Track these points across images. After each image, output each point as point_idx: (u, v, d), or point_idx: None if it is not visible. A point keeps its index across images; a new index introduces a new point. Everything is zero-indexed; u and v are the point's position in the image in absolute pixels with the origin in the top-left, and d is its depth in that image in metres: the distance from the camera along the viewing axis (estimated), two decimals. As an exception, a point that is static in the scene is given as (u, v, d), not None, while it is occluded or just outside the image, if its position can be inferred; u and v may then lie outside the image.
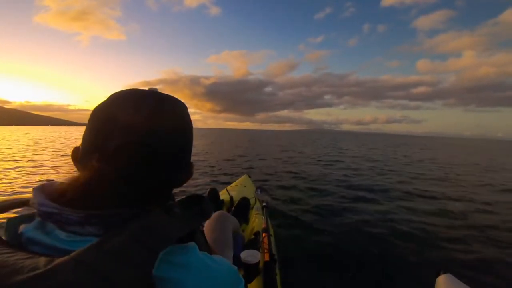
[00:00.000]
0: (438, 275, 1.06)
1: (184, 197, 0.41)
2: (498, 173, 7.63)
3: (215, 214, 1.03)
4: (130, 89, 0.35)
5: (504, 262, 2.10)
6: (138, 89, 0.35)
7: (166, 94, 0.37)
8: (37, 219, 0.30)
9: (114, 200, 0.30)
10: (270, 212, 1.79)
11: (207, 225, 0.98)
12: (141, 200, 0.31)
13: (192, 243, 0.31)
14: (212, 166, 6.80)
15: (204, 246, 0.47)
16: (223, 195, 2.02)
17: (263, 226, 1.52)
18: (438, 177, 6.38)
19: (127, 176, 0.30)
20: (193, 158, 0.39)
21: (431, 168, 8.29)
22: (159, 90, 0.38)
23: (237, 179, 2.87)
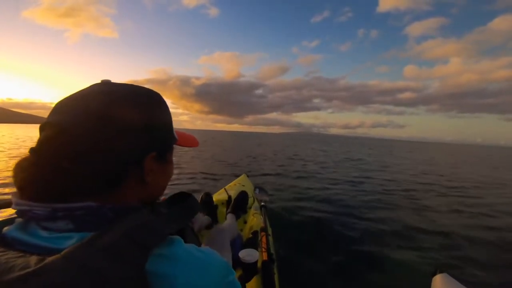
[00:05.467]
0: (434, 274, 1.07)
1: (170, 194, 0.41)
2: (495, 176, 7.71)
3: (211, 234, 1.01)
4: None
5: (500, 262, 2.13)
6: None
7: (108, 85, 0.34)
8: (18, 219, 0.30)
9: (71, 192, 0.29)
10: (268, 211, 1.80)
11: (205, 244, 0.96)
12: (91, 191, 0.30)
13: (177, 237, 0.31)
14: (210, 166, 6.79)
15: (195, 242, 0.47)
16: (221, 194, 2.02)
17: (262, 225, 1.52)
18: (435, 180, 6.43)
19: (55, 167, 0.28)
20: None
21: (430, 171, 8.36)
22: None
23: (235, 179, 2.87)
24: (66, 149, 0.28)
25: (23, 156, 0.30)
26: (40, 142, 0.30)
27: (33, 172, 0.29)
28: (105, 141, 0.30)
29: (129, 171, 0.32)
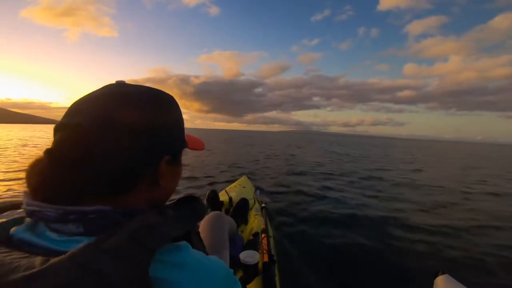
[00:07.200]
0: (436, 275, 1.07)
1: (177, 198, 0.41)
2: (497, 177, 7.65)
3: (210, 215, 1.03)
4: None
5: (503, 263, 2.11)
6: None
7: (123, 87, 0.35)
8: (27, 220, 0.30)
9: (83, 195, 0.29)
10: (269, 213, 1.80)
11: (202, 225, 0.98)
12: (106, 193, 0.30)
13: (185, 242, 0.31)
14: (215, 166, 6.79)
15: (200, 247, 0.47)
16: (222, 196, 2.02)
17: (262, 227, 1.53)
18: (438, 181, 6.40)
19: (69, 169, 0.29)
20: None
21: (431, 171, 8.32)
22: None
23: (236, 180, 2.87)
24: (80, 151, 0.29)
25: (38, 157, 0.30)
26: (55, 143, 0.30)
27: (47, 173, 0.29)
28: (119, 144, 0.30)
29: (143, 174, 0.33)
